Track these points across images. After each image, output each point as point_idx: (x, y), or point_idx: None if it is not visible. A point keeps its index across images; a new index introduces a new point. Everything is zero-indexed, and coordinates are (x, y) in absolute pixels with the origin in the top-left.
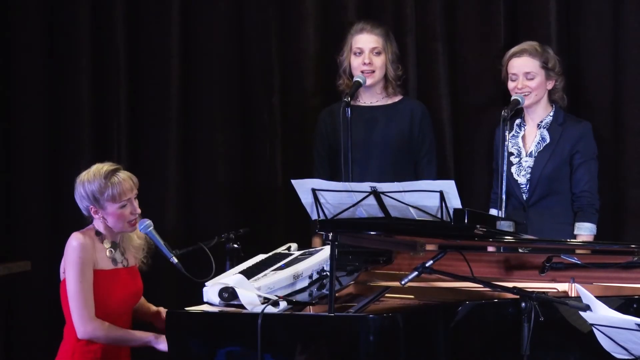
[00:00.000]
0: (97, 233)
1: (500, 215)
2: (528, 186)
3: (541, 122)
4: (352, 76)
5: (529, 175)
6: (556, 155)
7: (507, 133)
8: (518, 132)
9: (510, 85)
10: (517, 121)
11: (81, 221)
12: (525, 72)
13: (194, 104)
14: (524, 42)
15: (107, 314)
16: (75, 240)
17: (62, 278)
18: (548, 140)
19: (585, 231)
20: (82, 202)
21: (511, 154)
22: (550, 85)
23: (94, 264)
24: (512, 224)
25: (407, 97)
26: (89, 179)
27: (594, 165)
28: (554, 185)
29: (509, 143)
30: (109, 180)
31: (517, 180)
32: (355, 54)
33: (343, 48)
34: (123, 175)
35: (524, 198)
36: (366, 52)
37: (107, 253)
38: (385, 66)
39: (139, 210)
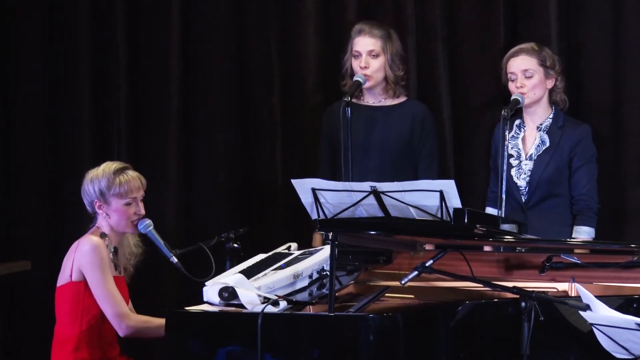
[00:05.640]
0: (102, 235)
1: (499, 215)
2: (527, 189)
3: (541, 124)
4: (353, 77)
5: (528, 178)
6: (556, 159)
7: (507, 133)
8: (518, 134)
9: (511, 86)
10: (517, 122)
11: (81, 221)
12: (523, 70)
13: (194, 104)
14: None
15: (99, 317)
16: (88, 244)
17: (60, 283)
18: (548, 144)
19: (583, 235)
20: (87, 198)
21: (511, 155)
22: (550, 84)
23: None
24: (515, 227)
25: (410, 99)
26: (98, 175)
27: (593, 167)
28: (553, 188)
29: (509, 144)
30: (117, 176)
31: (516, 183)
32: (354, 56)
33: (346, 48)
34: (132, 174)
35: (523, 200)
36: (363, 55)
37: (111, 257)
38: (384, 68)
39: (143, 212)
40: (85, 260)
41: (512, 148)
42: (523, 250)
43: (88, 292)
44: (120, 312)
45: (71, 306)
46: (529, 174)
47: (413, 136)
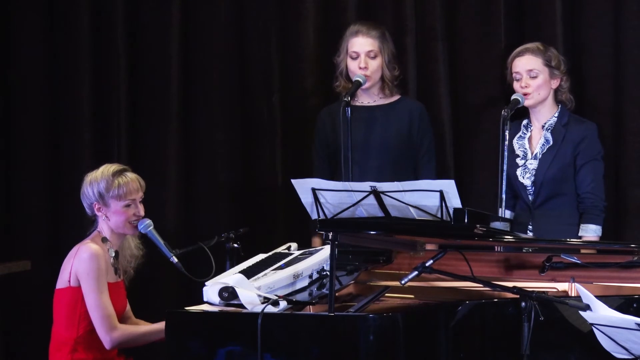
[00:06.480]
0: (104, 240)
1: (500, 215)
2: (533, 188)
3: (546, 123)
4: (348, 78)
5: (533, 178)
6: (559, 157)
7: (507, 132)
8: (525, 134)
9: (515, 85)
10: (524, 122)
11: (81, 222)
12: (528, 70)
13: (194, 104)
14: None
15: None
16: (87, 252)
17: (59, 286)
18: (551, 142)
19: (589, 233)
20: (87, 200)
21: (517, 155)
22: (555, 84)
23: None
24: (507, 225)
25: (405, 97)
26: (96, 178)
27: (598, 165)
28: (558, 186)
29: (516, 144)
30: (116, 178)
31: (522, 183)
32: (351, 57)
33: (340, 49)
34: (131, 175)
35: (530, 200)
36: (362, 55)
37: (112, 261)
38: (382, 68)
39: (142, 213)
40: (82, 268)
41: (519, 148)
42: (529, 250)
43: None
44: (107, 325)
45: (69, 310)
46: (534, 173)
47: (411, 133)
